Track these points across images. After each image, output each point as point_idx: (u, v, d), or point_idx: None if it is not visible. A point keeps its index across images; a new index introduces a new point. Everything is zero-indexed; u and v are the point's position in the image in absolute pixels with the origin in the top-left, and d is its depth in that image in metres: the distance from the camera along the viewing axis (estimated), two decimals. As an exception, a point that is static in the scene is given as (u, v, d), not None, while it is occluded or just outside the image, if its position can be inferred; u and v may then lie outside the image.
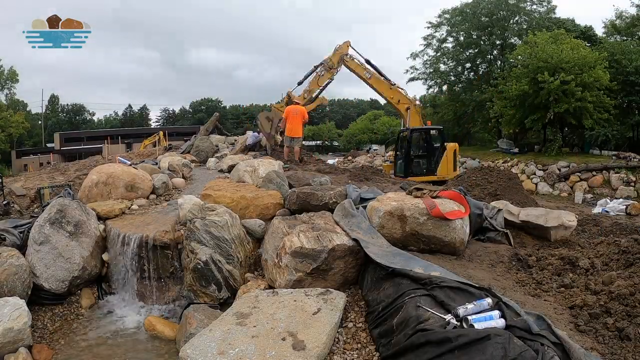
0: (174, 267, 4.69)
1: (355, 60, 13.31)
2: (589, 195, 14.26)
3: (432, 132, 13.46)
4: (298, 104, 9.45)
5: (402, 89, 13.86)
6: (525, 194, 6.99)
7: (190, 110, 69.66)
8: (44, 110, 54.31)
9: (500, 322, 2.37)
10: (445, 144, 12.72)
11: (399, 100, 13.57)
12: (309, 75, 13.29)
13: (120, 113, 69.04)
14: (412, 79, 29.96)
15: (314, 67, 13.27)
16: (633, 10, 22.59)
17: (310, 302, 3.15)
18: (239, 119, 61.89)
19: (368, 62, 13.37)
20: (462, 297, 2.65)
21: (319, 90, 13.40)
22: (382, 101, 18.70)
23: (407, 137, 13.23)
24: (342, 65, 13.18)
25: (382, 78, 13.51)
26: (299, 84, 13.29)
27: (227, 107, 67.52)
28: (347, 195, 4.94)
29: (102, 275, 4.91)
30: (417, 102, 14.07)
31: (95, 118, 68.06)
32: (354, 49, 13.28)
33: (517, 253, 4.01)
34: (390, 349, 2.60)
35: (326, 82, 13.32)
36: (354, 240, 3.77)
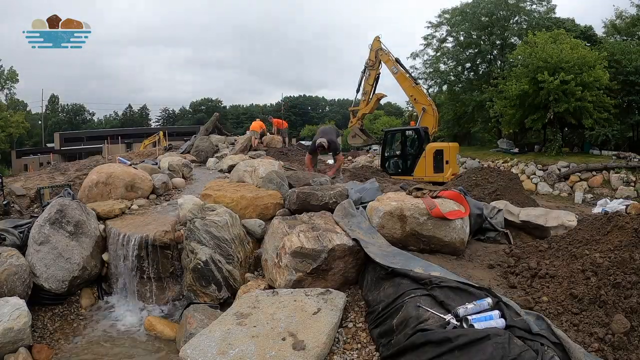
0: (174, 267, 4.69)
1: (386, 54, 14.97)
2: (589, 195, 14.26)
3: (408, 132, 13.66)
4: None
5: (423, 89, 15.39)
6: (525, 194, 6.98)
7: (190, 110, 69.69)
8: (44, 110, 54.31)
9: (500, 322, 2.37)
10: (427, 145, 12.83)
11: (416, 99, 14.50)
12: (360, 81, 15.36)
13: (120, 113, 69.11)
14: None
15: (361, 72, 15.33)
16: (633, 10, 22.60)
17: (310, 302, 3.15)
18: (239, 119, 61.90)
19: (397, 60, 14.99)
20: (462, 297, 2.65)
21: (372, 89, 15.42)
22: (382, 101, 19.19)
23: (386, 137, 14.31)
24: (380, 60, 15.03)
25: (408, 76, 15.18)
26: (357, 91, 15.50)
27: (227, 107, 67.58)
28: (347, 196, 4.94)
29: (102, 275, 4.91)
30: (433, 105, 14.55)
31: (95, 118, 68.16)
32: (382, 44, 15.04)
33: (517, 253, 4.00)
34: (390, 349, 2.60)
35: (375, 80, 15.28)
36: (354, 240, 3.77)
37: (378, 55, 14.95)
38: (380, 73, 15.37)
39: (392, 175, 11.75)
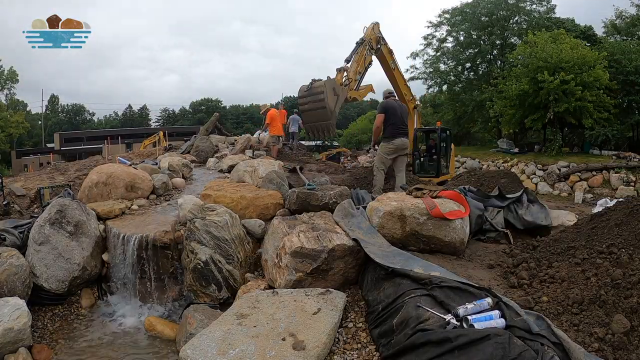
0: (174, 267, 4.69)
1: (386, 46, 12.71)
2: (589, 195, 14.25)
3: (441, 133, 13.27)
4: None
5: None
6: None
7: (190, 110, 69.57)
8: (44, 110, 54.28)
9: (500, 322, 2.37)
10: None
11: (411, 98, 13.88)
12: (354, 53, 12.00)
13: (120, 113, 69.02)
14: (412, 79, 29.89)
15: (357, 43, 12.04)
16: (633, 10, 22.61)
17: (310, 302, 3.15)
18: (239, 119, 61.86)
19: (391, 52, 13.14)
20: (462, 297, 2.64)
21: (364, 73, 12.32)
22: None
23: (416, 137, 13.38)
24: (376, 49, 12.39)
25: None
26: (347, 61, 11.97)
27: (227, 107, 67.46)
28: (347, 195, 4.94)
29: (102, 275, 4.91)
30: (419, 103, 14.26)
31: (95, 118, 68.10)
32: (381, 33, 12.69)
33: (517, 253, 4.00)
34: (390, 349, 2.60)
35: (367, 65, 12.34)
36: (354, 240, 3.77)
37: (378, 43, 12.45)
38: (371, 64, 12.71)
39: (421, 176, 11.27)
